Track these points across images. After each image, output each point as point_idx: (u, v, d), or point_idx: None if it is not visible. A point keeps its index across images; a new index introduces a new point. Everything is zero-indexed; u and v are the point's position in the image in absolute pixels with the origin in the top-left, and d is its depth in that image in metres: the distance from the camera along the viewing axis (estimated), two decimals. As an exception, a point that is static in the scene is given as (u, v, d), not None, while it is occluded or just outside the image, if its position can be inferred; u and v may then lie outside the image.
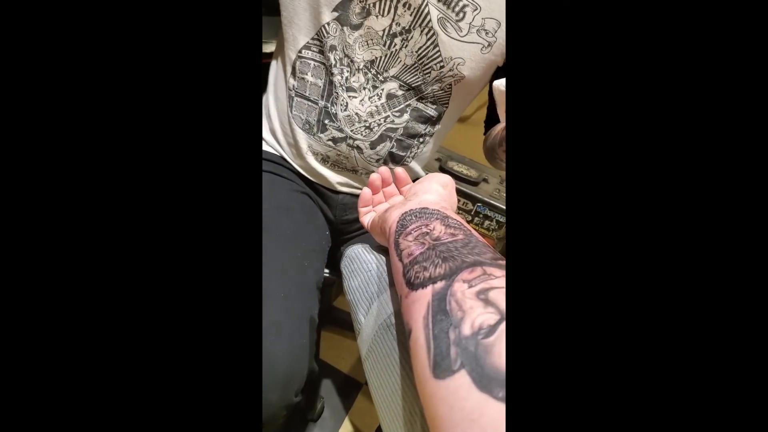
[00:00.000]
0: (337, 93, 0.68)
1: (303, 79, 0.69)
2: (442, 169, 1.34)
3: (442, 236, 0.41)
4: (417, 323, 0.35)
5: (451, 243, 0.40)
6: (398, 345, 0.42)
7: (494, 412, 0.26)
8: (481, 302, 0.32)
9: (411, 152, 0.76)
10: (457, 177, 1.30)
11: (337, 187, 0.77)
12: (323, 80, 0.68)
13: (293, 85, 0.71)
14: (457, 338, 0.31)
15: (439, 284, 0.37)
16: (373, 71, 0.67)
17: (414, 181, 0.68)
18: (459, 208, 1.30)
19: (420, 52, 0.65)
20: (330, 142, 0.71)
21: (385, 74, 0.67)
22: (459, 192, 1.28)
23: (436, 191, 0.53)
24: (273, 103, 0.76)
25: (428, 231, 0.43)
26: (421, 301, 0.36)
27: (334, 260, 0.80)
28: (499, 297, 0.33)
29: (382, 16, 0.64)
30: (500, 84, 0.48)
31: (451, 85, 0.68)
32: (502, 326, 0.30)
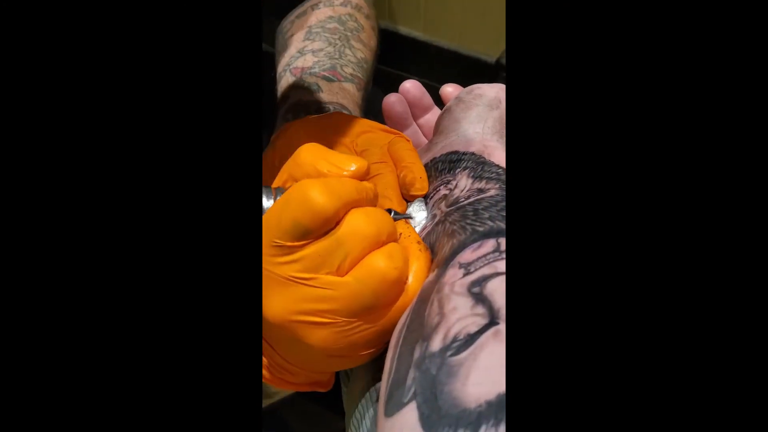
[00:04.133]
0: None
1: None
2: (499, 68, 1.20)
3: (464, 195, 0.32)
4: (392, 340, 0.29)
5: (471, 204, 0.31)
6: None
7: None
8: (471, 299, 0.26)
9: None
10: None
11: None
12: None
13: None
14: (420, 357, 0.25)
15: (431, 276, 0.30)
16: None
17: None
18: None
19: None
20: None
21: None
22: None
23: (482, 117, 0.37)
24: None
25: (448, 191, 0.34)
26: (407, 307, 0.30)
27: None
28: (501, 288, 0.26)
29: None
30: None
31: None
32: (487, 335, 0.24)
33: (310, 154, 0.33)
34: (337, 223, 0.30)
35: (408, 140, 0.40)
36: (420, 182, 0.36)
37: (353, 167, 0.32)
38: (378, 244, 0.30)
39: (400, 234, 0.32)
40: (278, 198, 0.31)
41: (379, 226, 0.30)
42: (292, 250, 0.29)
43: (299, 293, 0.29)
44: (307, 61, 0.54)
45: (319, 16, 0.58)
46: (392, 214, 0.34)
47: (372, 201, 0.32)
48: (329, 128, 0.41)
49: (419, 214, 0.35)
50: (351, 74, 0.54)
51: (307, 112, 0.47)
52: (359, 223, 0.30)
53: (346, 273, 0.29)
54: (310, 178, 0.31)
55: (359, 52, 0.57)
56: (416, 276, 0.31)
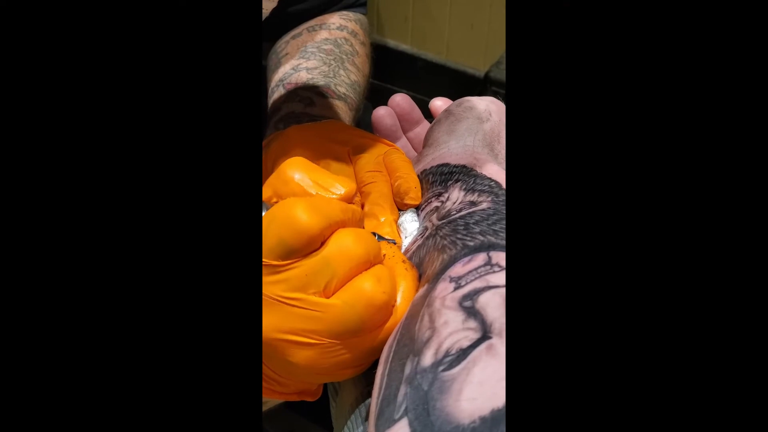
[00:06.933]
0: None
1: None
2: (488, 81, 1.22)
3: (455, 208, 0.32)
4: (382, 356, 0.29)
5: (462, 218, 0.31)
6: None
7: None
8: (462, 312, 0.25)
9: None
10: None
11: None
12: None
13: None
14: (412, 372, 0.24)
15: (421, 290, 0.29)
16: None
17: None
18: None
19: None
20: None
21: None
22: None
23: (472, 129, 0.37)
24: None
25: (439, 204, 0.34)
26: (398, 323, 0.29)
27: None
28: (493, 301, 0.25)
29: None
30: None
31: None
32: (480, 349, 0.24)
33: (295, 169, 0.32)
34: (323, 243, 0.29)
35: (401, 152, 0.40)
36: (414, 191, 0.36)
37: (342, 191, 0.32)
38: (366, 264, 0.30)
39: (384, 255, 0.32)
40: (263, 214, 0.31)
41: (367, 247, 0.30)
42: (277, 269, 0.28)
43: (285, 313, 0.28)
44: (301, 77, 0.54)
45: (315, 37, 0.59)
46: (376, 236, 0.34)
47: (358, 222, 0.31)
48: (325, 135, 0.40)
49: (411, 224, 0.35)
50: (344, 94, 0.54)
51: (299, 123, 0.47)
52: (347, 243, 0.29)
53: (333, 293, 0.29)
54: (296, 197, 0.30)
55: (353, 75, 0.57)
56: (404, 296, 0.31)
